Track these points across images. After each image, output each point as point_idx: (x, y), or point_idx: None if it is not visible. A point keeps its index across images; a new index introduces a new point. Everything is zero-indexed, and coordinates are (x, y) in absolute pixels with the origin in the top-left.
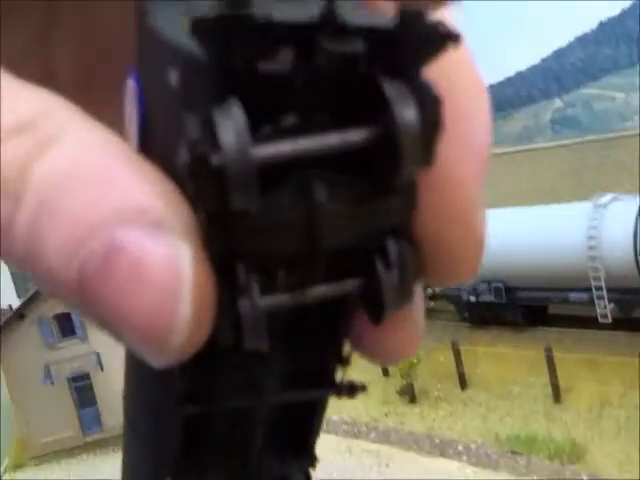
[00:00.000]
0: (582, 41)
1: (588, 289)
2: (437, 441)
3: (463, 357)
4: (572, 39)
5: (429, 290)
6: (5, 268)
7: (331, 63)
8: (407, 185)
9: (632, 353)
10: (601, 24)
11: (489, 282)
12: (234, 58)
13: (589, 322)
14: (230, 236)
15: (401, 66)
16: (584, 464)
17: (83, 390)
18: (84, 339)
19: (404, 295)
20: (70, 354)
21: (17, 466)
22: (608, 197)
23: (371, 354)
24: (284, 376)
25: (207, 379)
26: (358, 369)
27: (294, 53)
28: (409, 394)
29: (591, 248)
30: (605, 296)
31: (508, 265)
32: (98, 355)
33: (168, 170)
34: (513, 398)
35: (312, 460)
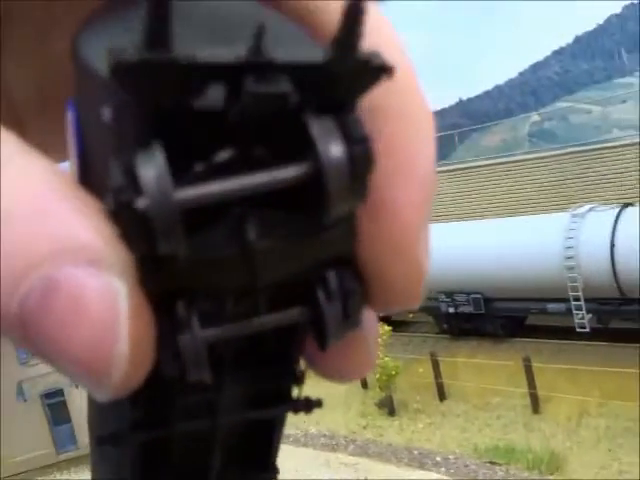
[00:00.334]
0: (559, 55)
1: (566, 300)
2: (416, 453)
3: (442, 368)
4: (549, 53)
5: None
6: None
7: (258, 103)
8: (343, 218)
9: (610, 363)
10: (577, 38)
11: (468, 293)
12: (161, 99)
13: (567, 333)
14: (165, 276)
15: (333, 100)
16: (563, 474)
17: (57, 407)
18: None
19: (348, 323)
20: (45, 371)
21: None
22: (585, 208)
23: (323, 374)
24: (240, 396)
25: (160, 405)
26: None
27: (225, 89)
28: (388, 406)
29: (569, 258)
30: (583, 306)
31: (486, 276)
32: None
33: None
34: (492, 409)
35: (274, 473)
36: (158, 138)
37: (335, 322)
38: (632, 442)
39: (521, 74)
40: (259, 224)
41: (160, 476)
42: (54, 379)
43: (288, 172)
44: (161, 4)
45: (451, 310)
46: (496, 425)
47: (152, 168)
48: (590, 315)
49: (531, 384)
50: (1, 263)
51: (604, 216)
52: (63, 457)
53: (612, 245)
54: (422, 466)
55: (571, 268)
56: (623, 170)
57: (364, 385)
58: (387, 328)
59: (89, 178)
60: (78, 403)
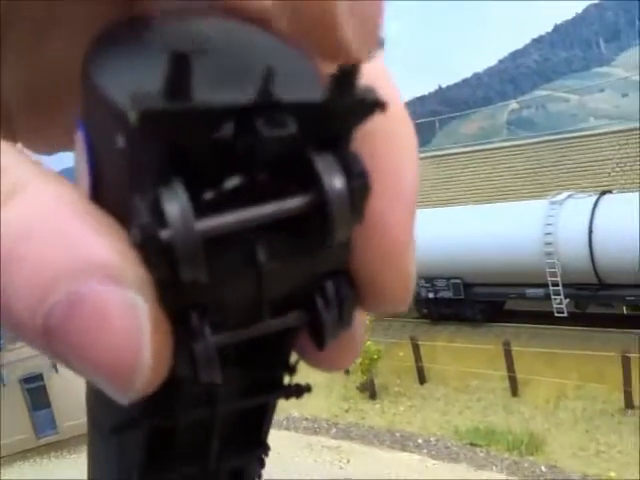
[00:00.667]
0: (538, 44)
1: (544, 285)
2: (398, 435)
3: (422, 352)
4: (528, 41)
5: None
6: None
7: (269, 144)
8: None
9: (587, 347)
10: (556, 27)
11: (447, 279)
12: (178, 139)
13: (545, 317)
14: (182, 296)
15: (331, 134)
16: (542, 454)
17: (36, 392)
18: None
19: (343, 325)
20: (24, 355)
21: None
22: (564, 195)
23: (314, 365)
24: (238, 387)
25: (168, 397)
26: None
27: (235, 125)
28: (369, 390)
29: (547, 244)
30: (561, 292)
31: (466, 262)
32: None
33: (121, 220)
34: (471, 392)
35: (265, 448)
36: (174, 170)
37: (332, 325)
38: (609, 423)
39: (500, 62)
40: (268, 247)
41: (164, 461)
42: (34, 364)
43: (295, 202)
44: (182, 58)
45: (431, 295)
46: (476, 408)
47: (176, 204)
48: (568, 300)
49: (510, 367)
50: (28, 276)
51: (582, 203)
52: (43, 442)
53: (590, 231)
54: (404, 448)
55: (550, 254)
56: (600, 158)
57: (346, 370)
58: None
59: (101, 195)
60: (58, 388)
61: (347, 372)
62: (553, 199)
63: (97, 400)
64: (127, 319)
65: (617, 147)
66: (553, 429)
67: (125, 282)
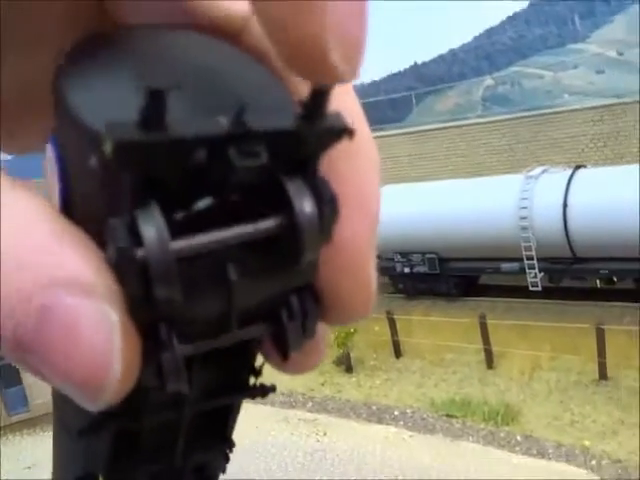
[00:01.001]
0: (513, 20)
1: (519, 259)
2: (374, 408)
3: (398, 326)
4: (504, 18)
5: None
6: None
7: (242, 173)
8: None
9: (561, 320)
10: (532, 4)
11: (423, 253)
12: (152, 167)
13: (520, 291)
14: (153, 311)
15: (300, 157)
16: (517, 425)
17: (7, 370)
18: None
19: (306, 337)
20: None
21: None
22: (539, 170)
23: (279, 368)
24: (204, 389)
25: (135, 402)
26: None
27: (208, 153)
28: (345, 364)
29: (522, 219)
30: (536, 265)
31: (441, 236)
32: None
33: (92, 233)
34: (447, 365)
35: (230, 444)
36: (149, 191)
37: (295, 337)
38: (582, 394)
39: (476, 38)
40: (240, 265)
41: (130, 458)
42: None
43: (267, 224)
44: (158, 95)
45: (406, 270)
46: (452, 380)
47: (152, 226)
48: (542, 274)
49: (486, 340)
50: None
51: (557, 178)
52: (15, 419)
53: (565, 206)
54: (380, 421)
55: (525, 228)
56: (573, 134)
57: None
58: None
59: (71, 207)
60: None
61: None
62: (528, 174)
63: (64, 401)
64: (98, 331)
65: (591, 123)
66: (528, 400)
67: (96, 295)
